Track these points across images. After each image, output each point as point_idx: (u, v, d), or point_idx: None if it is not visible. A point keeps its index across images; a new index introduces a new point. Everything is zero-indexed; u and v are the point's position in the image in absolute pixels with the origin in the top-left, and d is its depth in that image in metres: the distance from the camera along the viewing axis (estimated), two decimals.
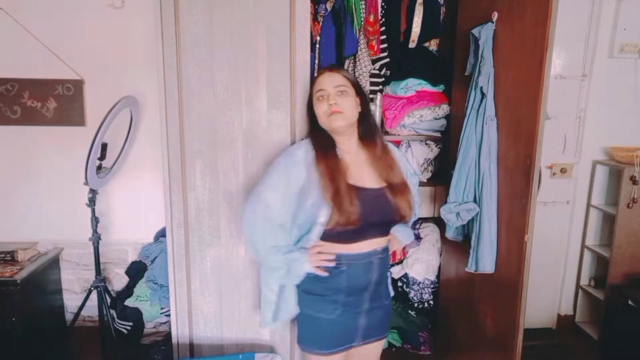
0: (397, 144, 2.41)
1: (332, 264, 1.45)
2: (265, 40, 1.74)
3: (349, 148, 1.49)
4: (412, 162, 2.38)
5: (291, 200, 1.45)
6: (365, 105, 1.53)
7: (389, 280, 1.62)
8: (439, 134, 2.38)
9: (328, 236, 1.43)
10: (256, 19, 1.73)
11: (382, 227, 1.49)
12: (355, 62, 2.42)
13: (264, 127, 1.80)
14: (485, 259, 1.79)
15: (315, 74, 2.29)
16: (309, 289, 1.51)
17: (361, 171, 1.47)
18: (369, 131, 1.54)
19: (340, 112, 1.43)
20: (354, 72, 2.41)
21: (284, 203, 1.45)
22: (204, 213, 1.85)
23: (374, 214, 1.44)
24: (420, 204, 1.90)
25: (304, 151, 1.47)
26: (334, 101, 1.43)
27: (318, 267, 1.45)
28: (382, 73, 2.45)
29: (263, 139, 1.81)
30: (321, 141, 1.48)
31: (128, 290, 2.52)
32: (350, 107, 1.45)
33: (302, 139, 1.58)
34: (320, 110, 1.46)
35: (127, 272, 2.64)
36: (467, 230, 1.98)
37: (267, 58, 1.76)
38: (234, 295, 1.92)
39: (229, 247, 1.88)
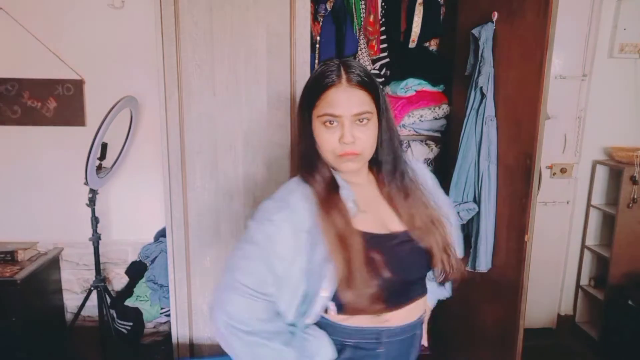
0: None
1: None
2: (265, 40, 1.74)
3: (357, 178, 1.05)
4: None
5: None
6: (387, 126, 1.03)
7: None
8: (439, 134, 2.38)
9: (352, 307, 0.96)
10: (256, 19, 1.73)
11: (422, 284, 1.09)
12: None
13: (264, 127, 1.80)
14: (480, 258, 1.80)
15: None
16: None
17: (378, 209, 1.04)
18: (390, 164, 1.05)
19: (357, 154, 0.96)
20: None
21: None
22: (204, 213, 1.85)
23: (412, 267, 1.03)
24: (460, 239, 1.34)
25: (300, 198, 0.98)
26: (350, 138, 0.94)
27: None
28: (382, 73, 2.44)
29: (263, 139, 1.81)
30: (320, 180, 1.00)
31: (128, 290, 2.51)
32: (372, 142, 0.99)
33: (290, 179, 1.06)
34: (326, 142, 0.97)
35: (127, 272, 2.63)
36: (467, 230, 1.98)
37: (267, 58, 1.76)
38: None
39: (229, 247, 1.88)
